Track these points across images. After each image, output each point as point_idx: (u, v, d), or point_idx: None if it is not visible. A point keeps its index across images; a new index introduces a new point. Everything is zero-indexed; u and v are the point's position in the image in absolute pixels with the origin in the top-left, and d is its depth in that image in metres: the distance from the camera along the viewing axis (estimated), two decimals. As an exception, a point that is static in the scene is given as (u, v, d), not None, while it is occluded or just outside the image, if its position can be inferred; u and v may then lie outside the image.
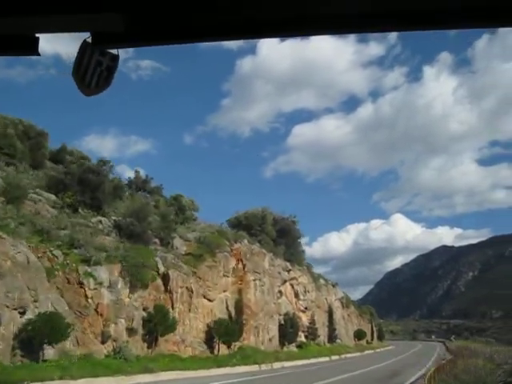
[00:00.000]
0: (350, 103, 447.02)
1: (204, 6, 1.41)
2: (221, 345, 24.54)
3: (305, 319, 40.16)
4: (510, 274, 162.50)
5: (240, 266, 29.61)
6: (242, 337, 26.69)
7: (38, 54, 1.54)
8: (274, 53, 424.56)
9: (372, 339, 62.76)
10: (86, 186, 26.31)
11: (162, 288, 22.44)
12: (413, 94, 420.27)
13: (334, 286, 52.17)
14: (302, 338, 38.34)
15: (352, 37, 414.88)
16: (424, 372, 21.67)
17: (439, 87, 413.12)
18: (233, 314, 26.42)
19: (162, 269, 22.74)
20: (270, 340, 31.49)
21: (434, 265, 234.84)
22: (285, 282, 37.88)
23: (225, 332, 23.51)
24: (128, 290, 20.32)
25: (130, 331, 19.67)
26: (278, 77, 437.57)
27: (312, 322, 39.57)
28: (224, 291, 26.94)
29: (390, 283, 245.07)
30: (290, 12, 1.39)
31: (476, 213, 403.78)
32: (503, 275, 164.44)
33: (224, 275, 27.12)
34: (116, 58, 1.57)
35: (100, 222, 25.43)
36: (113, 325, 18.78)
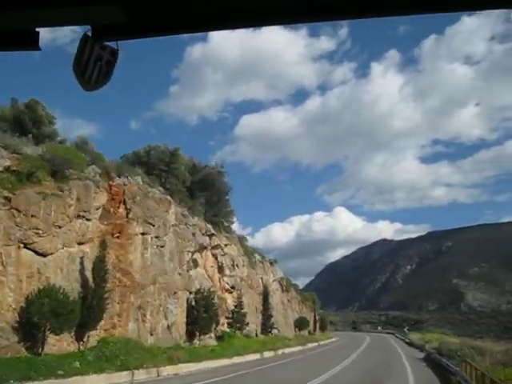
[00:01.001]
0: (299, 96, 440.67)
1: None
2: (55, 336, 13.31)
3: (230, 301, 29.71)
4: (446, 268, 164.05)
5: (121, 210, 18.36)
6: (110, 322, 15.60)
7: (39, 49, 1.51)
8: (226, 41, 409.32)
9: (314, 330, 53.73)
10: None
11: None
12: (360, 89, 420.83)
13: (272, 263, 41.85)
14: (224, 326, 27.94)
15: (303, 30, 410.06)
16: None
17: (386, 84, 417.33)
18: (91, 282, 15.17)
19: None
20: (169, 329, 20.54)
21: (374, 258, 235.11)
22: (203, 248, 27.06)
23: (53, 311, 12.25)
24: None
25: None
26: (228, 65, 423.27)
27: (239, 304, 28.98)
28: (80, 244, 15.60)
29: (330, 275, 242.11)
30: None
31: (416, 208, 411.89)
32: (440, 269, 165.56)
33: (80, 216, 15.74)
34: (115, 52, 1.54)
35: None
36: None
